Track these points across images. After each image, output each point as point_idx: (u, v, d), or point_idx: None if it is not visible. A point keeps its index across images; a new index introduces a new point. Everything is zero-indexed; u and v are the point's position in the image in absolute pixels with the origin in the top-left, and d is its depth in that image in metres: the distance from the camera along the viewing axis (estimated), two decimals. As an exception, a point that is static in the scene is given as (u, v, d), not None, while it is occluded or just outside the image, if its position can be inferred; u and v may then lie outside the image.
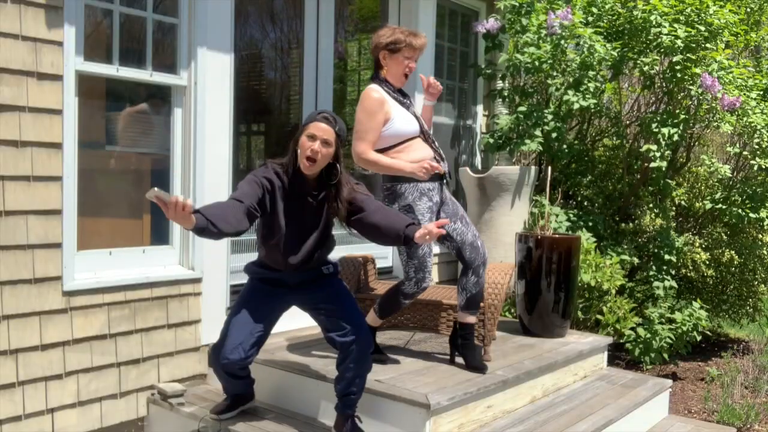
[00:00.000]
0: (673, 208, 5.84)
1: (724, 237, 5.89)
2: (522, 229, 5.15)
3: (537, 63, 5.16)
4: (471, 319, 3.53)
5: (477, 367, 3.47)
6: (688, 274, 5.64)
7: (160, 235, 3.80)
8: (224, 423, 3.27)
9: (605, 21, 5.48)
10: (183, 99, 3.77)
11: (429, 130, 3.57)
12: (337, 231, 3.27)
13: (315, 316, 3.20)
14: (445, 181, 3.50)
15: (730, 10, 5.18)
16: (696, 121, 5.39)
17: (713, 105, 5.09)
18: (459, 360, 3.60)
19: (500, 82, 5.78)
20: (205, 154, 3.78)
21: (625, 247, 5.29)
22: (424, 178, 3.27)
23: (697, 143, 6.04)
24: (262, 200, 2.91)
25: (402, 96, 3.49)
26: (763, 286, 6.11)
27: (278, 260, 3.08)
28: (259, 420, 3.34)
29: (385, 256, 5.18)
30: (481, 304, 3.60)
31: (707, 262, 5.58)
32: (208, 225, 2.58)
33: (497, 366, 3.58)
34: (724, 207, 5.37)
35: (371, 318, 3.58)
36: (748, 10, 5.99)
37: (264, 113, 4.73)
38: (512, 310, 4.94)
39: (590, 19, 5.40)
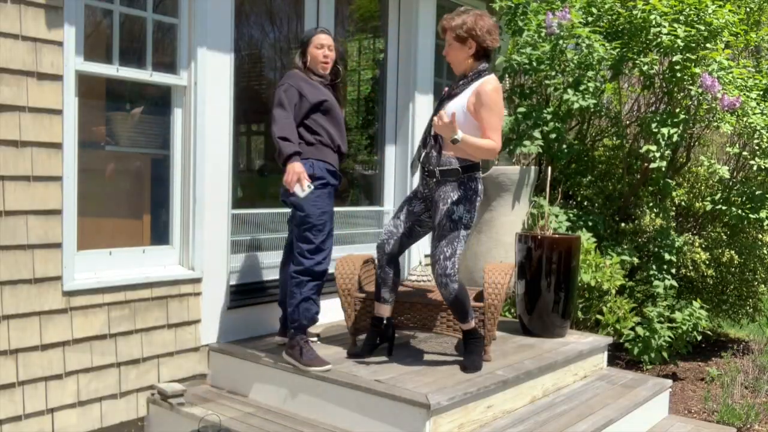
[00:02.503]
0: (673, 208, 5.84)
1: (724, 237, 5.89)
2: (522, 229, 5.15)
3: (534, 63, 5.16)
4: (460, 325, 3.56)
5: (463, 366, 3.50)
6: (688, 274, 5.63)
7: (160, 235, 3.80)
8: (224, 423, 3.27)
9: (605, 21, 5.48)
10: (183, 99, 3.77)
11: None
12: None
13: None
14: (432, 178, 3.46)
15: (729, 10, 5.18)
16: (696, 121, 5.39)
17: (713, 105, 5.09)
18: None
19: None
20: (205, 154, 3.78)
21: (625, 247, 5.28)
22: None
23: (697, 143, 6.04)
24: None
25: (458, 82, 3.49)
26: (763, 286, 6.11)
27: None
28: (260, 420, 3.35)
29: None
30: (480, 305, 3.60)
31: (707, 262, 5.57)
32: None
33: (497, 366, 3.58)
34: (724, 207, 5.37)
35: (375, 308, 3.64)
36: (748, 10, 5.99)
37: (264, 113, 4.72)
38: (512, 310, 4.94)
39: (590, 19, 5.40)
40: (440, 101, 3.53)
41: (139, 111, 3.76)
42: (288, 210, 4.39)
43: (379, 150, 5.26)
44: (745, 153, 5.63)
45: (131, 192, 3.76)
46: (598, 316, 4.94)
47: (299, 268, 3.45)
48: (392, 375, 3.35)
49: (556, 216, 5.07)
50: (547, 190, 4.86)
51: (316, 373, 3.36)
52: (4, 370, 3.07)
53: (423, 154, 3.51)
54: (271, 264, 4.40)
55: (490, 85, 3.33)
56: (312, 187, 3.38)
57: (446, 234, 3.37)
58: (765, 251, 5.93)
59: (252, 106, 4.56)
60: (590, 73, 5.16)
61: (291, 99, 3.48)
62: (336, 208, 4.70)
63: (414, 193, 3.62)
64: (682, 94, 5.36)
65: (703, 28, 5.03)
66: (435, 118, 3.20)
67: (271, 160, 3.64)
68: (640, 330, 4.98)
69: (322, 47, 3.61)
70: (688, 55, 5.05)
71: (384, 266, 3.58)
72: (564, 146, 5.37)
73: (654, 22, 5.10)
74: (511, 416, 3.46)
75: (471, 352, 3.54)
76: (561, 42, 5.10)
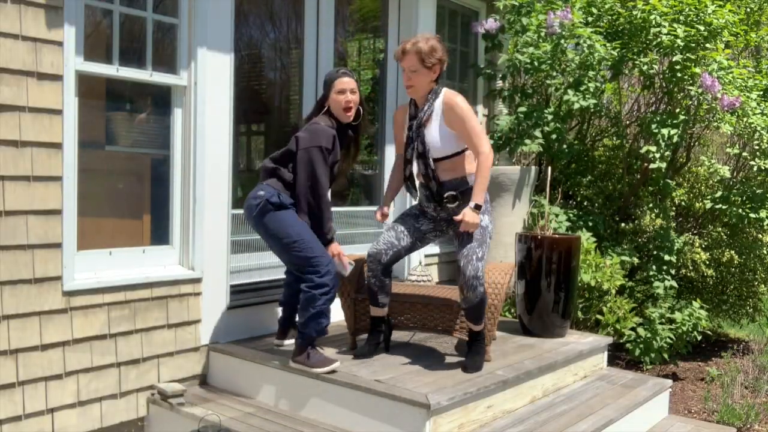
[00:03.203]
0: (673, 208, 5.84)
1: (724, 237, 5.89)
2: (522, 229, 5.15)
3: (536, 63, 5.16)
4: (470, 326, 3.55)
5: (464, 366, 3.49)
6: (688, 274, 5.63)
7: (160, 235, 3.80)
8: (224, 423, 3.27)
9: (605, 21, 5.48)
10: (183, 99, 3.77)
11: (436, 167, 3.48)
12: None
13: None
14: (454, 202, 3.46)
15: (729, 10, 5.18)
16: (696, 122, 5.39)
17: (713, 105, 5.09)
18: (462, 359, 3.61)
19: (500, 82, 5.78)
20: (205, 154, 3.78)
21: (625, 247, 5.28)
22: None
23: (697, 143, 6.04)
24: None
25: (420, 108, 3.46)
26: (763, 286, 6.11)
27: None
28: (260, 420, 3.35)
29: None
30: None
31: (707, 262, 5.57)
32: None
33: (497, 366, 3.58)
34: (724, 207, 5.37)
35: (373, 312, 3.66)
36: (748, 10, 5.99)
37: (264, 113, 4.73)
38: (512, 310, 4.94)
39: (590, 19, 5.40)
40: (412, 129, 3.47)
41: (143, 117, 3.76)
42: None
43: (379, 150, 5.26)
44: (745, 153, 5.63)
45: (131, 192, 3.76)
46: (598, 316, 4.95)
47: (310, 284, 3.37)
48: (392, 375, 3.35)
49: (556, 216, 5.07)
50: (547, 190, 4.86)
51: (317, 373, 3.36)
52: (4, 370, 3.07)
53: (426, 187, 3.50)
54: (271, 264, 4.40)
55: (457, 97, 3.41)
56: (353, 263, 3.62)
57: (478, 237, 3.37)
58: (765, 251, 5.93)
59: (252, 106, 4.56)
60: (591, 73, 5.16)
61: (326, 164, 3.44)
62: (336, 209, 4.72)
63: (421, 212, 3.59)
64: (682, 94, 5.37)
65: (702, 28, 5.03)
66: (462, 228, 3.30)
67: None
68: (641, 331, 4.98)
69: (344, 92, 3.49)
70: (688, 55, 5.05)
71: (379, 276, 3.54)
72: (564, 146, 5.37)
73: (654, 22, 5.10)
74: (511, 416, 3.46)
75: (476, 353, 3.53)
76: (562, 42, 5.11)
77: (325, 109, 3.54)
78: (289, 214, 3.44)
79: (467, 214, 3.27)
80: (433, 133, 3.40)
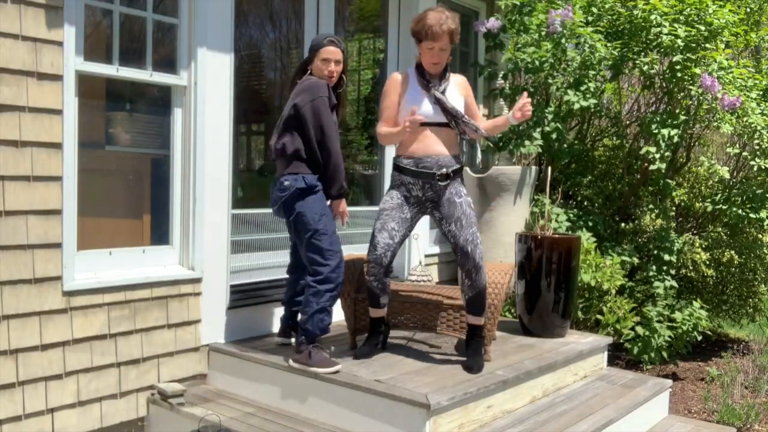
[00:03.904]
0: (673, 208, 5.84)
1: (725, 237, 5.89)
2: (522, 229, 5.15)
3: (538, 62, 5.16)
4: (472, 320, 3.54)
5: (469, 366, 3.49)
6: (689, 274, 5.63)
7: (160, 235, 3.80)
8: (224, 423, 3.27)
9: (605, 21, 5.48)
10: (183, 99, 3.77)
11: (481, 129, 3.59)
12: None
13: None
14: (446, 180, 3.45)
15: (730, 10, 5.18)
16: (696, 122, 5.39)
17: (713, 105, 5.09)
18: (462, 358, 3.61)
19: (501, 81, 5.78)
20: (205, 154, 3.78)
21: (625, 247, 5.28)
22: (409, 130, 3.33)
23: (697, 143, 6.04)
24: None
25: (438, 80, 3.50)
26: (763, 286, 6.11)
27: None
28: (260, 420, 3.35)
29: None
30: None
31: (707, 262, 5.57)
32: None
33: (497, 366, 3.58)
34: (724, 207, 5.37)
35: (373, 313, 3.67)
36: (748, 10, 5.99)
37: (264, 113, 4.73)
38: (512, 310, 4.94)
39: (590, 19, 5.40)
40: (437, 92, 3.47)
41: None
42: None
43: (379, 150, 5.26)
44: (745, 153, 5.63)
45: (131, 192, 3.76)
46: (598, 316, 4.95)
47: (318, 277, 3.37)
48: (392, 375, 3.35)
49: (557, 216, 5.07)
50: (547, 189, 4.87)
51: (319, 374, 3.36)
52: (4, 370, 3.07)
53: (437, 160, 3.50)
54: (271, 264, 4.40)
55: (463, 77, 3.70)
56: (350, 222, 3.67)
57: (474, 221, 3.49)
58: (765, 251, 5.93)
59: (252, 106, 4.56)
60: (591, 73, 5.16)
61: (331, 113, 3.43)
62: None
63: (403, 199, 3.51)
64: (682, 94, 5.36)
65: (703, 28, 5.03)
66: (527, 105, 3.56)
67: (271, 160, 3.63)
68: (639, 329, 4.99)
69: (328, 62, 3.48)
70: (688, 55, 5.05)
71: (382, 278, 3.55)
72: (564, 146, 5.37)
73: (654, 22, 5.10)
74: (511, 416, 3.46)
75: (476, 352, 3.53)
76: (563, 41, 5.10)
77: (308, 73, 3.53)
78: (318, 200, 3.45)
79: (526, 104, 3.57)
80: (458, 99, 3.55)
